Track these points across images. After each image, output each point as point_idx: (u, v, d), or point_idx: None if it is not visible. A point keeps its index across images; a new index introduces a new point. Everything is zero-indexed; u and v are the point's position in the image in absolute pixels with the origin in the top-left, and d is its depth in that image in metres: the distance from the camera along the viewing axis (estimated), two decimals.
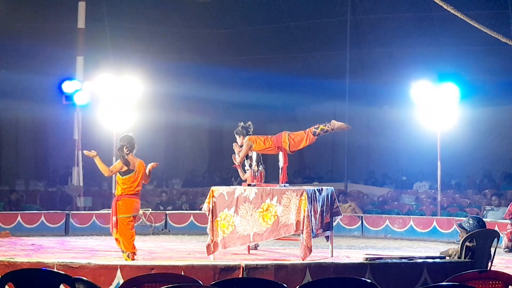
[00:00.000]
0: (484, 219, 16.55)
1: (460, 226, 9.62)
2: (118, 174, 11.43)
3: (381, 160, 26.24)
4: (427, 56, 23.22)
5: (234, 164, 13.48)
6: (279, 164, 12.66)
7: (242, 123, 13.17)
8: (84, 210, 19.95)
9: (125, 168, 11.36)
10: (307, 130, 12.59)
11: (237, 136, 13.16)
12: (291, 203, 11.70)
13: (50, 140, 25.74)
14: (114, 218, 11.30)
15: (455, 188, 23.02)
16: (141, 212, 16.48)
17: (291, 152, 12.68)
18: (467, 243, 8.95)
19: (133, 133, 12.07)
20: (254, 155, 13.00)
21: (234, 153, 13.37)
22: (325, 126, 12.56)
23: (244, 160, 13.24)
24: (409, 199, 22.20)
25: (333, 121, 12.68)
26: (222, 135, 27.92)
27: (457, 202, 20.71)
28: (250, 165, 13.27)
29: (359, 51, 24.35)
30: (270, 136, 12.78)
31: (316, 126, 12.57)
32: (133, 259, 11.07)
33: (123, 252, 11.66)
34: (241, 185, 12.79)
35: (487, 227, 9.60)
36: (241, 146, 13.02)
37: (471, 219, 9.51)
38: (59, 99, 20.05)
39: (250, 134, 12.94)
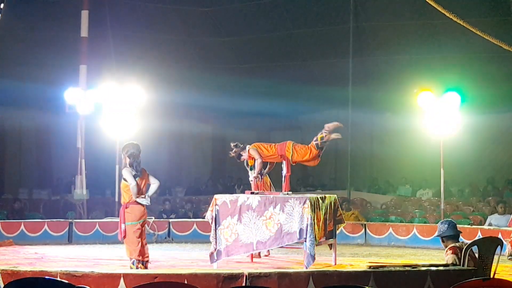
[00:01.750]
0: (487, 227, 16.71)
1: (437, 236, 9.59)
2: (124, 181, 11.36)
3: (384, 167, 26.24)
4: (430, 64, 23.23)
5: (254, 177, 13.31)
6: (282, 172, 12.67)
7: (230, 152, 13.13)
8: (81, 203, 20.01)
9: (133, 173, 11.30)
10: (309, 145, 12.60)
11: (242, 157, 13.05)
12: (294, 211, 11.70)
13: (53, 149, 25.77)
14: (122, 226, 11.26)
15: (458, 195, 22.99)
16: None
17: (293, 163, 12.70)
18: (469, 251, 8.93)
19: (136, 141, 12.04)
20: (257, 164, 12.98)
21: (249, 169, 13.29)
22: (321, 134, 12.57)
23: (249, 169, 13.19)
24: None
25: (325, 124, 12.68)
26: (225, 143, 27.84)
27: (460, 209, 20.67)
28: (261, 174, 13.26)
29: (362, 58, 24.37)
30: (274, 144, 12.80)
31: (315, 139, 12.59)
32: (137, 267, 11.04)
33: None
34: (244, 192, 12.80)
35: (458, 230, 9.50)
36: (246, 160, 13.03)
37: (440, 224, 9.47)
38: (62, 107, 20.10)
39: (244, 147, 12.92)
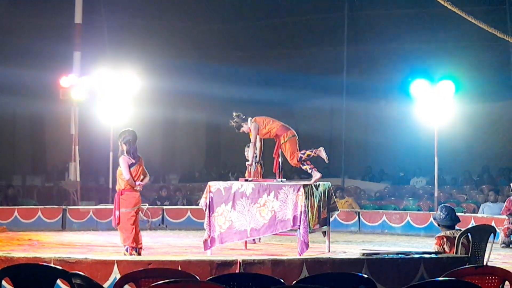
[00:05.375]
0: (481, 215, 16.75)
1: (434, 218, 9.63)
2: (120, 168, 11.33)
3: (378, 155, 26.27)
4: (424, 52, 23.24)
5: (249, 164, 13.29)
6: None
7: (231, 120, 12.99)
8: (74, 190, 20.04)
9: (131, 161, 11.29)
10: (298, 152, 12.53)
11: (242, 129, 12.93)
12: (288, 199, 11.70)
13: (47, 136, 25.73)
14: (117, 212, 11.26)
15: (452, 183, 23.04)
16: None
17: (279, 147, 12.63)
18: (462, 239, 8.95)
19: (131, 128, 12.00)
20: (250, 152, 12.97)
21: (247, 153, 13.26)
22: (311, 152, 12.54)
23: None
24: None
25: (321, 148, 12.59)
26: (219, 131, 27.92)
27: (454, 197, 20.72)
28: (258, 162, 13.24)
29: (356, 47, 24.38)
30: (279, 122, 12.74)
31: (303, 152, 12.53)
32: (131, 254, 11.04)
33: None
34: (238, 180, 12.79)
35: (458, 218, 9.47)
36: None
37: (439, 209, 9.43)
38: (56, 94, 20.04)
39: (246, 119, 12.82)
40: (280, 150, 12.67)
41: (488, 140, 24.60)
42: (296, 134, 12.66)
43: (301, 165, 12.68)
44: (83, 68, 20.71)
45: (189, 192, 22.92)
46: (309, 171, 12.61)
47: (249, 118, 12.74)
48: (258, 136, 12.78)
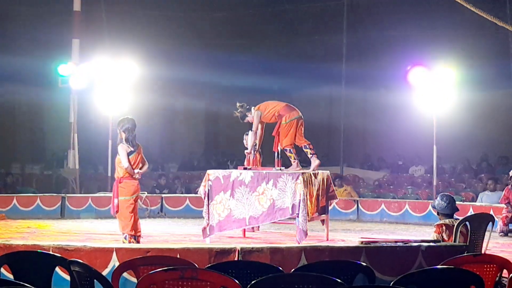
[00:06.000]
0: (479, 203, 16.76)
1: (433, 206, 9.64)
2: (119, 156, 11.33)
3: (377, 144, 26.25)
4: (424, 40, 23.20)
5: (247, 152, 13.32)
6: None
7: (235, 111, 13.03)
8: (73, 178, 20.05)
9: (130, 149, 11.28)
10: (290, 143, 12.51)
11: (246, 119, 12.97)
12: (286, 187, 11.71)
13: (46, 123, 25.70)
14: (115, 201, 11.26)
15: (450, 172, 23.03)
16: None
17: (279, 127, 12.64)
18: (461, 228, 8.96)
19: (130, 116, 11.98)
20: (250, 141, 12.98)
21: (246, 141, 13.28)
22: (296, 159, 12.54)
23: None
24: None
25: (316, 160, 12.55)
26: (218, 119, 27.91)
27: (452, 186, 20.73)
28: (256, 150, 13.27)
29: (355, 35, 24.33)
30: (284, 103, 12.77)
31: (291, 150, 12.51)
32: (130, 242, 11.05)
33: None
34: (236, 168, 12.81)
35: (457, 207, 9.46)
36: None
37: (440, 198, 9.43)
38: (55, 82, 20.00)
39: (249, 108, 12.86)
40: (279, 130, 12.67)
41: (487, 129, 24.56)
42: (300, 116, 12.65)
43: (303, 147, 12.68)
44: (82, 56, 20.65)
45: (188, 180, 22.92)
46: (309, 155, 12.60)
47: (252, 107, 12.77)
48: (259, 124, 12.81)
